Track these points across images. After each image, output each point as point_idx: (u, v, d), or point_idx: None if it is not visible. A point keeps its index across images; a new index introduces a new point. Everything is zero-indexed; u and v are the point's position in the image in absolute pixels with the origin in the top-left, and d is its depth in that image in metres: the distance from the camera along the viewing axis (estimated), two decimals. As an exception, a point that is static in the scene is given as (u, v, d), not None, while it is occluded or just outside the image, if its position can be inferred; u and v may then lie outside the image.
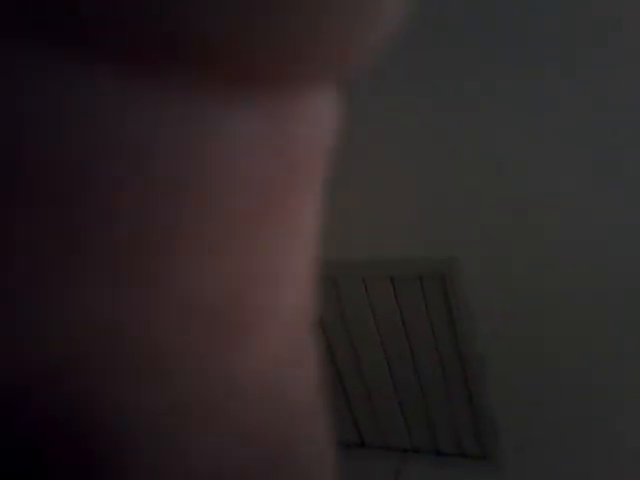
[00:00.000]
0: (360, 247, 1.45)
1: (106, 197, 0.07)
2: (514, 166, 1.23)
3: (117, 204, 0.07)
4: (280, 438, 0.11)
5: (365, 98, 1.19)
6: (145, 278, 0.08)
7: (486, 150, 1.23)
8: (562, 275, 1.32)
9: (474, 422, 1.61)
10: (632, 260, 1.26)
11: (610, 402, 1.45)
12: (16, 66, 0.06)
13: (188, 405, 0.09)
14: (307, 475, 0.12)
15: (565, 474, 1.60)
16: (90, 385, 0.08)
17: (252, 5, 0.07)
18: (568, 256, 1.29)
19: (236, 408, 0.10)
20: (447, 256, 1.38)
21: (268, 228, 0.09)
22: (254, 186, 0.08)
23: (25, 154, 0.07)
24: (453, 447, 1.70)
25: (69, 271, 0.08)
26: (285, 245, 0.09)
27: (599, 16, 1.03)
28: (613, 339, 1.36)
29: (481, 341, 1.47)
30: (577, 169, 1.20)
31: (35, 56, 0.07)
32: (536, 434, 1.57)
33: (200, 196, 0.08)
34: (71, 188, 0.07)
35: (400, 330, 1.54)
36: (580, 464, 1.57)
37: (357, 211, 1.38)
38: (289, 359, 0.11)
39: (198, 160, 0.08)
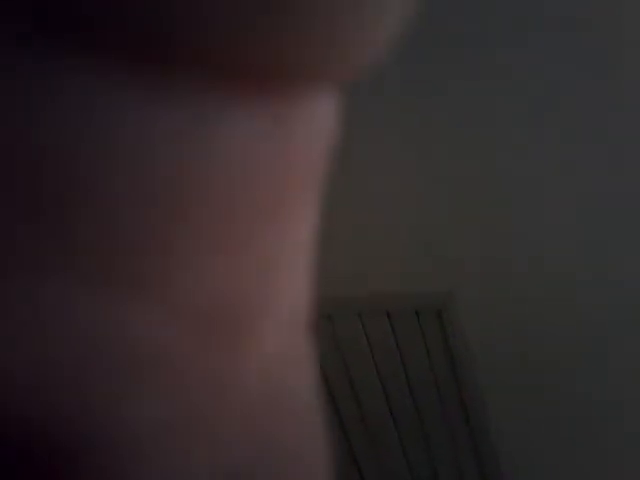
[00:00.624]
0: (354, 283, 1.44)
1: (102, 199, 0.07)
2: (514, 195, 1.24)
3: (113, 206, 0.07)
4: (279, 436, 0.11)
5: (350, 125, 1.20)
6: (140, 279, 0.08)
7: (483, 179, 1.24)
8: (560, 307, 1.32)
9: (477, 460, 1.59)
10: (633, 293, 1.26)
11: (611, 424, 1.44)
12: (16, 67, 0.07)
13: (185, 407, 0.09)
14: (308, 472, 0.12)
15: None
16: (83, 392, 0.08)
17: (252, 5, 0.07)
18: (566, 287, 1.29)
19: (234, 408, 0.10)
20: (443, 290, 1.38)
21: (268, 228, 0.09)
22: (255, 185, 0.08)
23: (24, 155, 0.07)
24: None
25: (63, 284, 0.08)
26: (284, 245, 0.09)
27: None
28: (615, 371, 1.36)
29: (480, 373, 1.46)
30: (579, 199, 1.21)
31: (35, 56, 0.07)
32: (540, 465, 1.55)
33: (199, 196, 0.08)
34: (66, 191, 0.07)
35: (398, 365, 1.53)
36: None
37: (350, 246, 1.38)
38: (287, 359, 0.11)
39: (198, 160, 0.08)
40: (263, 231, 0.09)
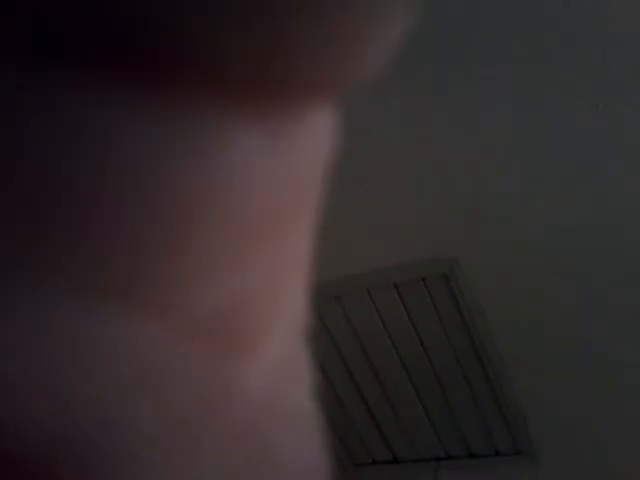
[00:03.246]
0: (358, 261, 1.44)
1: (101, 215, 0.07)
2: (513, 166, 1.23)
3: (114, 222, 0.07)
4: (278, 441, 0.11)
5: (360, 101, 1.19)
6: (144, 294, 0.08)
7: (485, 150, 1.23)
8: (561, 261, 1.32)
9: (502, 418, 1.60)
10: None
11: (628, 377, 1.44)
12: (21, 81, 0.07)
13: (186, 420, 0.09)
14: (306, 477, 0.12)
15: (600, 459, 1.58)
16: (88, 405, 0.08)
17: (254, 25, 0.07)
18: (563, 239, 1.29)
19: (235, 415, 0.10)
20: (448, 256, 1.38)
21: (268, 240, 0.09)
22: (256, 198, 0.08)
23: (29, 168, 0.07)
24: (486, 447, 1.68)
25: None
26: (284, 255, 0.10)
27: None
28: (617, 322, 1.36)
29: (496, 333, 1.47)
30: (579, 164, 1.20)
31: (37, 71, 0.07)
32: (567, 421, 1.56)
33: (202, 211, 0.08)
34: (68, 205, 0.07)
35: (413, 335, 1.53)
36: (613, 449, 1.55)
37: (350, 224, 1.38)
38: (286, 365, 0.11)
39: (199, 176, 0.08)
40: (263, 243, 0.09)
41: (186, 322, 0.09)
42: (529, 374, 1.52)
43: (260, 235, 0.09)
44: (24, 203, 0.07)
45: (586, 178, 1.23)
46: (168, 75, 0.07)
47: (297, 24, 0.07)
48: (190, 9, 0.07)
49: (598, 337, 1.42)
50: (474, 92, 1.18)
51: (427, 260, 1.40)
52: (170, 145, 0.07)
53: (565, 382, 1.50)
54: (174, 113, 0.07)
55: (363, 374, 1.64)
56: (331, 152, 0.09)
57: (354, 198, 1.33)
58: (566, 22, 1.07)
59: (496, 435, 1.64)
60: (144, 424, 0.09)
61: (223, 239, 0.08)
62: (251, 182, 0.08)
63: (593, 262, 1.32)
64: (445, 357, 1.54)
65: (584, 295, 1.36)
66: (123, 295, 0.08)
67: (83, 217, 0.07)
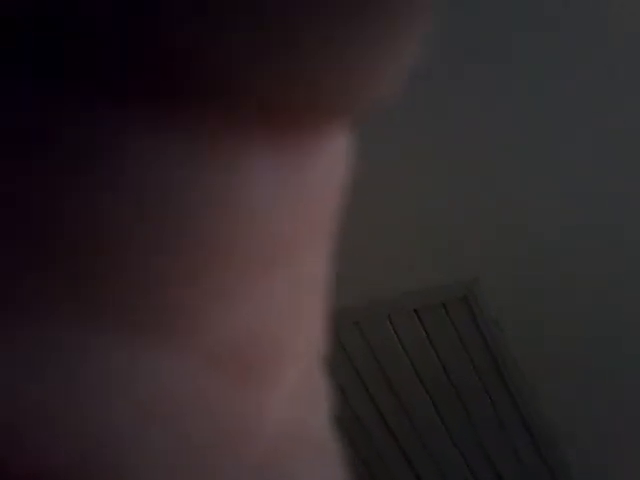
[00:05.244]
0: (378, 287, 1.44)
1: (113, 242, 0.07)
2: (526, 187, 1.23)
3: (126, 250, 0.07)
4: (298, 468, 0.11)
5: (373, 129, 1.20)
6: (165, 325, 0.08)
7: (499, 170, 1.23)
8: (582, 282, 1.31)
9: (531, 438, 1.58)
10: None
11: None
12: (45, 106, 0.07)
13: (204, 451, 0.09)
14: None
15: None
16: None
17: (269, 53, 0.07)
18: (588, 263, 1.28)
19: (254, 450, 0.10)
20: (467, 277, 1.37)
21: (286, 268, 0.09)
22: (272, 228, 0.08)
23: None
24: (514, 470, 1.65)
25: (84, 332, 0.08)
26: (300, 289, 0.10)
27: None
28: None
29: (518, 350, 1.45)
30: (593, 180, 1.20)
31: (66, 97, 0.07)
32: (600, 439, 1.53)
33: (222, 242, 0.08)
34: (86, 238, 0.07)
35: (434, 359, 1.52)
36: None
37: (368, 250, 1.38)
38: (305, 392, 0.11)
39: (214, 203, 0.08)
40: (281, 270, 0.09)
41: (204, 353, 0.09)
42: (555, 390, 1.49)
43: (277, 263, 0.09)
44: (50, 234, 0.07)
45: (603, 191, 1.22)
46: (190, 106, 0.07)
47: (319, 57, 0.07)
48: (217, 42, 0.07)
49: (628, 353, 1.40)
50: (487, 113, 1.18)
51: (446, 284, 1.39)
52: (193, 176, 0.07)
53: (594, 398, 1.48)
54: (196, 145, 0.07)
55: (385, 400, 1.63)
56: (346, 177, 0.09)
57: (370, 223, 1.33)
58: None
59: (524, 457, 1.61)
60: (161, 454, 0.09)
61: (241, 268, 0.08)
62: (269, 211, 0.08)
63: (616, 278, 1.31)
64: (468, 379, 1.53)
65: (609, 310, 1.35)
66: (144, 326, 0.08)
67: (106, 247, 0.07)
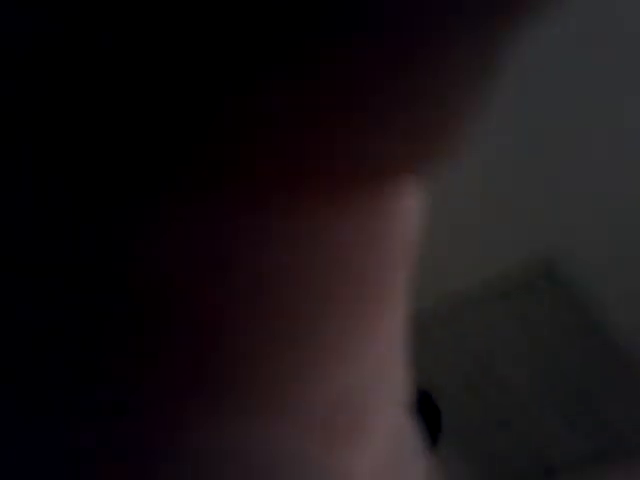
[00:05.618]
0: (461, 275, 1.42)
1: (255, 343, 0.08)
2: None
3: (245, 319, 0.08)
4: None
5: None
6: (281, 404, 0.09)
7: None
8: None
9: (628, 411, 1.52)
10: None
11: None
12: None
13: None
14: None
15: None
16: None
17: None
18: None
19: None
20: (548, 255, 1.34)
21: (374, 323, 0.09)
22: (363, 287, 0.09)
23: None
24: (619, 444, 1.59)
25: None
26: (387, 337, 0.10)
27: None
28: None
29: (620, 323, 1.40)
30: None
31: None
32: None
33: (325, 308, 0.08)
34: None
35: (535, 345, 1.48)
36: None
37: (447, 238, 1.36)
38: (396, 452, 0.11)
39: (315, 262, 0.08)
40: (367, 330, 0.09)
41: (305, 418, 0.09)
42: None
43: (364, 324, 0.09)
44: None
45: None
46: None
47: (397, 121, 0.07)
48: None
49: None
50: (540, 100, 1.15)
51: (528, 263, 1.36)
52: (282, 238, 0.08)
53: None
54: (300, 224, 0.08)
55: (495, 395, 1.60)
56: (418, 228, 0.10)
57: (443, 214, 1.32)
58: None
59: (625, 429, 1.55)
60: None
61: (338, 332, 0.09)
62: (351, 268, 0.09)
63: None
64: (572, 354, 1.48)
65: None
66: (268, 410, 0.09)
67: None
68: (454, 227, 1.35)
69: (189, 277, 0.08)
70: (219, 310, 0.08)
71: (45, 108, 0.06)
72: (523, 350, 1.51)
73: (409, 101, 0.07)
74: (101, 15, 0.06)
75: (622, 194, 1.26)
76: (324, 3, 0.07)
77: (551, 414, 1.60)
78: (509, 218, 1.32)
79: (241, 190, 0.07)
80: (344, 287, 0.08)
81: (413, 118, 0.08)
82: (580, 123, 1.19)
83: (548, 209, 1.30)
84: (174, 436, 0.08)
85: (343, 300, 0.09)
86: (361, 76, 0.07)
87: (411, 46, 0.07)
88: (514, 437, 1.67)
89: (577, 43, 1.13)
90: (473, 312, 1.47)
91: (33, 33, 0.07)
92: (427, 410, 0.85)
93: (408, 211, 0.09)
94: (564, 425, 1.60)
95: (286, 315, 0.08)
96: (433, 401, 0.88)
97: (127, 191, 0.07)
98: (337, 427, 0.09)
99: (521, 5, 0.07)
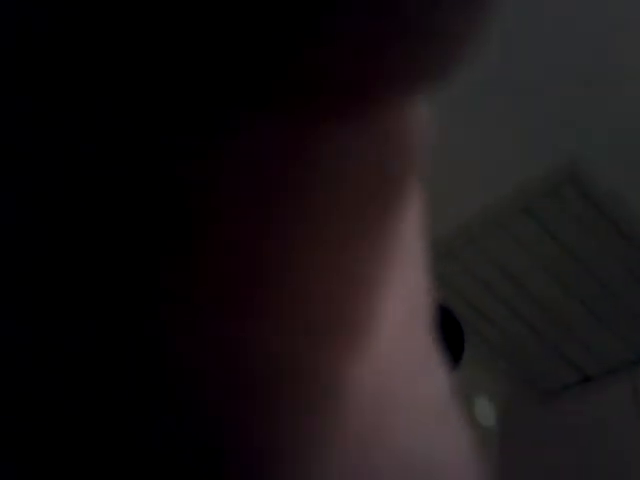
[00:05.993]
0: (476, 193, 1.41)
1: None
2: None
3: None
4: (388, 432, 0.12)
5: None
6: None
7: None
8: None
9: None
10: None
11: None
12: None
13: (304, 406, 0.10)
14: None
15: None
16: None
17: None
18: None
19: (346, 403, 0.11)
20: (568, 158, 1.32)
21: (372, 222, 0.09)
22: (365, 199, 0.09)
23: None
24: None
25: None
26: (391, 240, 0.10)
27: None
28: None
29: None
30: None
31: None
32: None
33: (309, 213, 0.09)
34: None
35: (562, 253, 1.47)
36: None
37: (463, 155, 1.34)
38: (401, 353, 0.12)
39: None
40: (370, 222, 0.09)
41: (283, 317, 0.09)
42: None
43: (363, 216, 0.09)
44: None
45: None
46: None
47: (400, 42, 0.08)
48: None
49: None
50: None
51: (549, 168, 1.34)
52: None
53: None
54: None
55: (527, 307, 1.60)
56: (426, 143, 0.10)
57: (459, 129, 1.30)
58: None
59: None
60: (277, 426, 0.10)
61: (334, 218, 0.09)
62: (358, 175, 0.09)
63: None
64: (601, 258, 1.47)
65: None
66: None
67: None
68: (473, 144, 1.33)
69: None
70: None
71: None
72: (552, 261, 1.50)
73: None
74: None
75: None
76: None
77: (584, 323, 1.60)
78: (531, 127, 1.29)
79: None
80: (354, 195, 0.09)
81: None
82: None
83: (568, 116, 1.27)
84: None
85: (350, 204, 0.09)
86: None
87: None
88: (549, 348, 1.68)
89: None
90: (499, 228, 1.46)
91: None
92: (448, 327, 0.86)
93: (419, 126, 0.09)
94: (598, 332, 1.61)
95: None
96: (454, 317, 0.88)
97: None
98: (333, 332, 0.09)
99: None
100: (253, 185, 0.08)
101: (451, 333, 0.87)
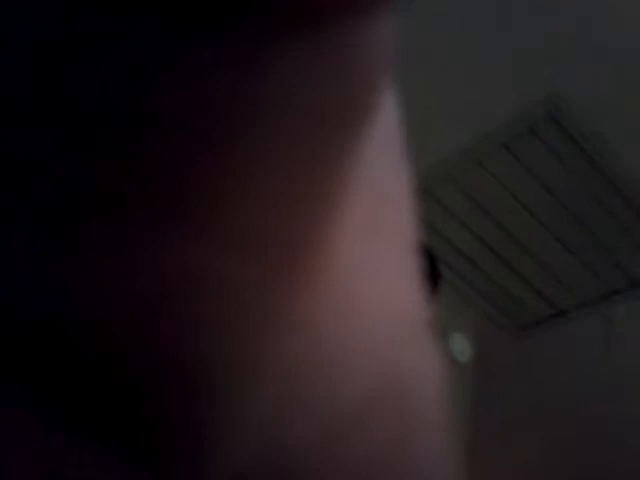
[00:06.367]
0: (458, 130, 1.39)
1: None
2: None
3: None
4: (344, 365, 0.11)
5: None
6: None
7: None
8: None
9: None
10: None
11: None
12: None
13: (242, 332, 0.10)
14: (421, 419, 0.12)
15: None
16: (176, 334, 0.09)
17: None
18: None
19: (293, 335, 0.11)
20: (548, 93, 1.30)
21: (331, 142, 0.09)
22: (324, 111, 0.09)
23: None
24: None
25: None
26: (346, 162, 0.10)
27: None
28: None
29: (622, 153, 1.38)
30: None
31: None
32: None
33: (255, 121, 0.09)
34: None
35: (539, 188, 1.47)
36: None
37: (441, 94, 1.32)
38: (357, 273, 0.12)
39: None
40: (325, 144, 0.09)
41: (241, 242, 0.09)
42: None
43: (324, 141, 0.09)
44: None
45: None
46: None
47: None
48: None
49: None
50: None
51: (528, 107, 1.32)
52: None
53: None
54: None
55: (503, 243, 1.61)
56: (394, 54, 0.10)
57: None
58: None
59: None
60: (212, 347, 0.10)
61: (276, 154, 0.09)
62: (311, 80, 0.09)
63: None
64: (578, 195, 1.48)
65: None
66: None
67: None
68: (452, 80, 1.31)
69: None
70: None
71: None
72: (532, 198, 1.50)
73: None
74: None
75: (622, 35, 1.20)
76: None
77: (559, 258, 1.62)
78: (511, 63, 1.27)
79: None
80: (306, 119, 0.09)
81: None
82: None
83: (545, 52, 1.25)
84: None
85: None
86: None
87: None
88: (523, 283, 1.70)
89: None
90: (477, 165, 1.46)
91: None
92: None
93: (382, 44, 0.09)
94: (572, 266, 1.63)
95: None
96: (427, 250, 0.87)
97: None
98: (275, 254, 0.09)
99: None
100: (201, 98, 0.08)
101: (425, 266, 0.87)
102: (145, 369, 0.09)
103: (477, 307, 1.79)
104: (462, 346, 1.80)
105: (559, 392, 1.71)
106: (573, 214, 1.52)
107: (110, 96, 0.08)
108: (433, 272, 0.89)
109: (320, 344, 0.11)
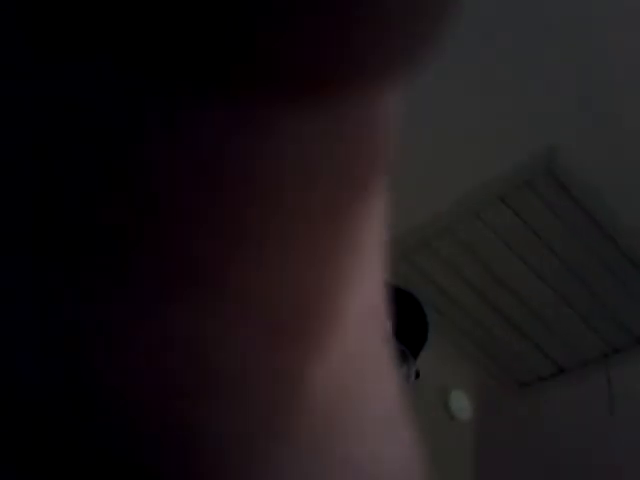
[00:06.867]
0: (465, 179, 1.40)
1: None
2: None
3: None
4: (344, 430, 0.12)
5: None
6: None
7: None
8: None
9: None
10: None
11: None
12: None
13: (252, 402, 0.10)
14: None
15: None
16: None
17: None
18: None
19: (298, 405, 0.10)
20: (548, 147, 1.32)
21: (337, 223, 0.09)
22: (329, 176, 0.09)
23: None
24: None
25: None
26: (356, 238, 0.10)
27: None
28: None
29: (620, 211, 1.39)
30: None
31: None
32: None
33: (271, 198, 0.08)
34: None
35: (536, 241, 1.48)
36: None
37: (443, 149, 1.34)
38: (356, 357, 0.11)
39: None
40: (333, 222, 0.09)
41: (255, 312, 0.09)
42: None
43: (329, 220, 0.09)
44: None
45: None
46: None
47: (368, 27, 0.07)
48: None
49: None
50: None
51: (527, 160, 1.34)
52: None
53: None
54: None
55: (503, 299, 1.60)
56: (397, 123, 0.09)
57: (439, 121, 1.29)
58: None
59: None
60: (218, 416, 0.10)
61: (290, 223, 0.09)
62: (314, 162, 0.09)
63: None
64: (577, 250, 1.48)
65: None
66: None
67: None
68: (450, 133, 1.33)
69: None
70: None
71: None
72: (530, 252, 1.50)
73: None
74: None
75: (621, 84, 1.22)
76: None
77: (559, 315, 1.61)
78: (508, 118, 1.29)
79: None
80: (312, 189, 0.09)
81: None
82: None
83: (546, 108, 1.27)
84: None
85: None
86: None
87: None
88: (524, 340, 1.68)
89: None
90: (475, 217, 1.46)
91: None
92: (412, 312, 0.84)
93: (389, 118, 0.09)
94: (573, 324, 1.61)
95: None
96: (418, 302, 0.86)
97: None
98: (287, 325, 0.09)
99: None
100: (206, 166, 0.08)
101: (415, 318, 0.85)
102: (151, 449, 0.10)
103: (477, 364, 1.77)
104: (462, 404, 1.77)
105: (559, 449, 1.67)
106: (572, 269, 1.52)
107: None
108: (422, 323, 0.87)
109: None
